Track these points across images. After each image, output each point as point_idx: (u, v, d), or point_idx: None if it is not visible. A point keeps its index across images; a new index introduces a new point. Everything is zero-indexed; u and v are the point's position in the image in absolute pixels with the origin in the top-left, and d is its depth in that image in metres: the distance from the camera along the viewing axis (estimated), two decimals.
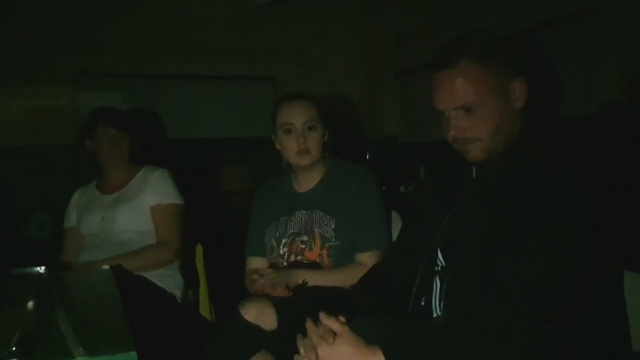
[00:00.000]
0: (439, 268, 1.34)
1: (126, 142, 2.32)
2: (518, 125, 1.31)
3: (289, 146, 1.87)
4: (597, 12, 2.61)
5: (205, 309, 2.34)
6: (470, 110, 1.27)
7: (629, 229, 1.21)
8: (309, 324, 1.17)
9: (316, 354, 1.13)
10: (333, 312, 1.17)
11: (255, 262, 1.98)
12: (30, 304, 1.34)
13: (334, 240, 1.83)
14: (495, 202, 1.24)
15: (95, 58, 3.65)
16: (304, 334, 1.18)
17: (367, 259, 1.80)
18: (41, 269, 1.72)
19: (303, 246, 1.86)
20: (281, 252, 1.89)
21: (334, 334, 1.14)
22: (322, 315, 1.16)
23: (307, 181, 1.95)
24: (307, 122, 1.86)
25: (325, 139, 1.92)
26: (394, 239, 1.95)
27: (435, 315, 1.32)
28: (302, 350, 1.17)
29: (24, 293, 1.40)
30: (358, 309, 1.40)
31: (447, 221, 1.36)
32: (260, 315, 1.55)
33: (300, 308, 1.58)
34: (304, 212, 1.90)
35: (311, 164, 1.88)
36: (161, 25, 3.79)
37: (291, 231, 1.90)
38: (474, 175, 1.37)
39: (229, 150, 4.08)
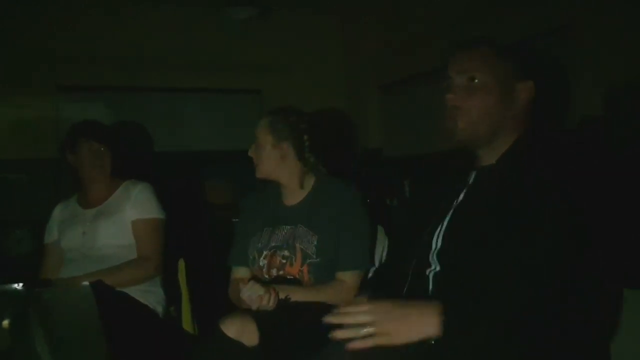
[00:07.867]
0: (432, 273, 1.33)
1: (108, 156, 2.29)
2: (514, 131, 1.33)
3: None
4: (577, 27, 2.65)
5: (187, 325, 2.31)
6: (472, 83, 1.32)
7: (619, 244, 1.22)
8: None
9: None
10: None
11: (240, 272, 1.96)
12: (5, 323, 1.31)
13: (314, 257, 1.82)
14: (493, 208, 1.24)
15: (78, 71, 3.64)
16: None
17: (348, 277, 1.80)
18: (18, 286, 1.68)
19: (284, 261, 1.85)
20: (261, 264, 1.88)
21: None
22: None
23: (293, 195, 1.94)
24: (260, 139, 1.91)
25: (299, 157, 1.90)
26: (377, 255, 1.95)
27: None
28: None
29: (0, 311, 1.37)
30: None
31: (444, 225, 1.36)
32: (242, 331, 1.54)
33: (282, 324, 1.57)
34: (288, 226, 1.89)
35: (263, 178, 1.93)
36: (145, 39, 3.79)
37: (273, 244, 1.89)
38: (471, 181, 1.38)
39: (213, 164, 4.06)
